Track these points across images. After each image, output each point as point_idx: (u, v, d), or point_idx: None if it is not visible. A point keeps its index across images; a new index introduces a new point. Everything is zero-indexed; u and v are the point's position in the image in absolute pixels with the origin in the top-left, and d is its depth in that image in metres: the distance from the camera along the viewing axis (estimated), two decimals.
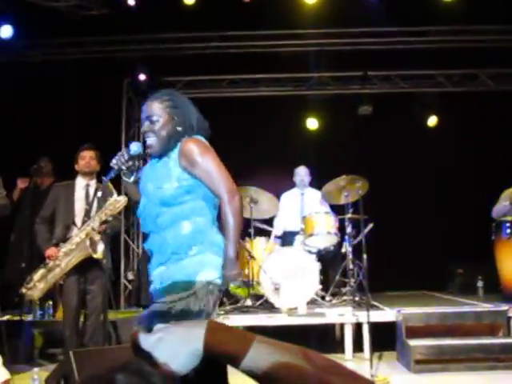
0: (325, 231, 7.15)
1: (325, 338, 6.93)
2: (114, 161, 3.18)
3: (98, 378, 1.46)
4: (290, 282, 6.63)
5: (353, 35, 9.13)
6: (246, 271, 7.00)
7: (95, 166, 5.58)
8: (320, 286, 6.85)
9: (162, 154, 3.07)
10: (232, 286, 7.31)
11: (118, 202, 5.31)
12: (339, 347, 6.32)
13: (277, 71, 9.48)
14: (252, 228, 7.15)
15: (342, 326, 6.41)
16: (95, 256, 5.21)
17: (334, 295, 7.12)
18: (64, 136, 8.20)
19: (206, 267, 2.91)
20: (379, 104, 9.25)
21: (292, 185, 7.98)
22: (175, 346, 1.20)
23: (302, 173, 7.93)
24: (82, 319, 5.53)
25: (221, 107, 9.17)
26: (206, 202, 3.03)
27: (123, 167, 3.17)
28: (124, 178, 3.25)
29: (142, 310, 7.68)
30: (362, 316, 6.06)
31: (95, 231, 5.25)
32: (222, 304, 7.04)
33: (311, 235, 7.16)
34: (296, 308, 6.45)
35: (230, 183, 2.99)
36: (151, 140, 3.06)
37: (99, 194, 5.23)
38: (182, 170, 2.98)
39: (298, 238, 7.26)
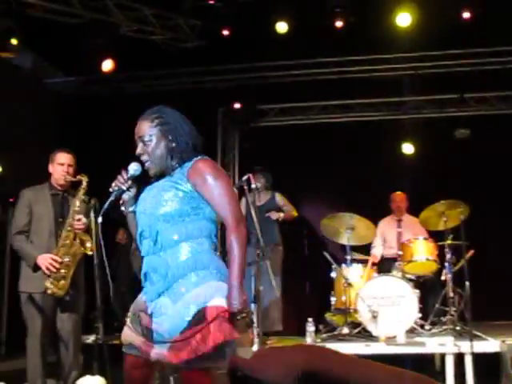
0: (424, 258, 6.98)
1: (424, 368, 6.70)
2: (112, 184, 3.07)
3: None
4: (388, 310, 6.48)
5: (447, 57, 8.95)
6: (343, 298, 6.91)
7: None
8: (419, 315, 6.66)
9: (164, 173, 2.99)
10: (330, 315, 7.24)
11: None
12: (439, 378, 6.10)
13: (370, 96, 9.39)
14: (349, 255, 7.06)
15: (442, 356, 6.19)
16: None
17: (433, 324, 6.90)
18: None
19: (214, 296, 2.75)
20: (477, 127, 8.99)
21: (389, 211, 7.86)
22: (280, 370, 1.19)
23: (398, 199, 7.83)
24: None
25: (314, 134, 9.19)
26: (211, 224, 2.92)
27: (123, 187, 3.05)
28: (124, 209, 3.12)
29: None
30: (464, 346, 5.82)
31: None
32: (317, 331, 6.97)
33: (410, 262, 7.01)
34: (394, 337, 6.30)
35: (239, 211, 2.88)
36: (147, 162, 2.99)
37: None
38: (191, 186, 2.89)
39: (396, 265, 7.12)
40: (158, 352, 2.80)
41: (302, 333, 6.66)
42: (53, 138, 9.21)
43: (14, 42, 6.92)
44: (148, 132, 2.99)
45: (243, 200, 7.28)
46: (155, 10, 8.41)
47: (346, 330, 6.77)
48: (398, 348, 6.14)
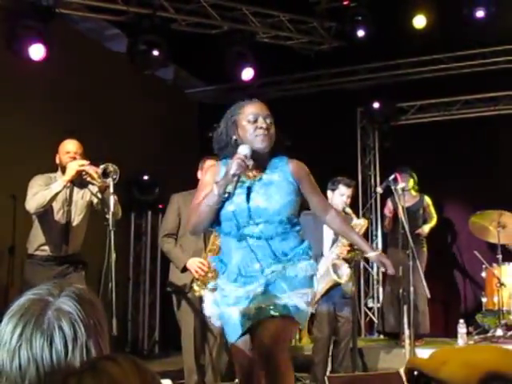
0: None
1: None
2: (235, 167, 3.02)
3: None
4: None
5: None
6: (495, 299, 6.66)
7: (348, 204, 5.61)
8: None
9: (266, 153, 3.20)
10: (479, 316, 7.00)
11: (356, 225, 5.39)
12: None
13: None
14: (500, 254, 6.80)
15: None
16: (340, 281, 5.32)
17: None
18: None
19: None
20: None
21: None
22: (463, 370, 1.17)
23: None
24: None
25: (456, 130, 8.90)
26: None
27: (249, 163, 3.10)
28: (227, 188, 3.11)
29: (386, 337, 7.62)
30: None
31: (339, 257, 5.36)
32: (468, 334, 6.76)
33: None
34: None
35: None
36: (266, 137, 3.18)
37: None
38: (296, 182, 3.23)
39: None
40: None
41: (450, 334, 6.48)
42: (195, 146, 9.56)
43: (157, 55, 7.21)
44: (270, 115, 3.25)
45: (388, 200, 7.19)
46: (290, 15, 8.50)
47: (499, 332, 6.52)
48: None
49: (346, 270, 5.34)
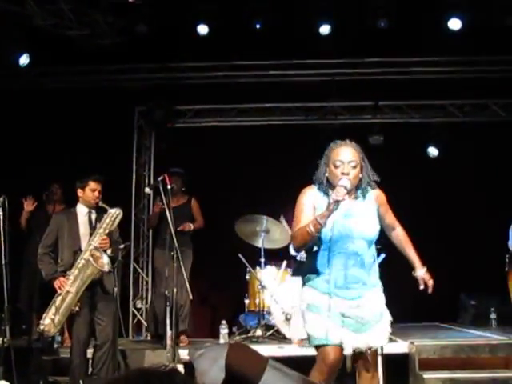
0: None
1: None
2: (336, 196, 3.54)
3: None
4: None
5: (364, 65, 9.15)
6: (257, 301, 6.94)
7: (100, 198, 5.56)
8: None
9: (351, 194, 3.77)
10: None
11: (112, 214, 5.36)
12: (350, 379, 6.19)
13: (288, 101, 9.48)
14: (263, 257, 7.10)
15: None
16: (104, 269, 5.23)
17: None
18: (75, 163, 8.21)
19: None
20: (390, 134, 9.23)
21: None
22: (209, 362, 1.28)
23: None
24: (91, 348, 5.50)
25: (230, 136, 9.18)
26: None
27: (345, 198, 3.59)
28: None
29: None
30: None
31: (96, 249, 5.27)
32: (231, 334, 6.98)
33: None
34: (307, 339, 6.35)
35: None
36: (349, 181, 3.66)
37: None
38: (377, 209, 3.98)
39: None
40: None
41: (216, 335, 6.64)
42: None
43: None
44: (356, 159, 3.80)
45: (158, 199, 7.20)
46: (72, 4, 8.19)
47: (259, 332, 6.79)
48: (310, 350, 6.19)
49: (106, 259, 5.28)
